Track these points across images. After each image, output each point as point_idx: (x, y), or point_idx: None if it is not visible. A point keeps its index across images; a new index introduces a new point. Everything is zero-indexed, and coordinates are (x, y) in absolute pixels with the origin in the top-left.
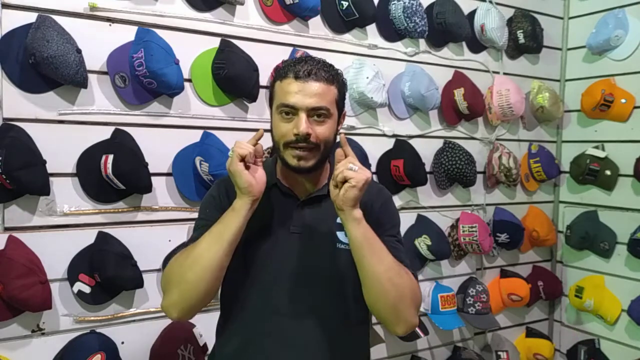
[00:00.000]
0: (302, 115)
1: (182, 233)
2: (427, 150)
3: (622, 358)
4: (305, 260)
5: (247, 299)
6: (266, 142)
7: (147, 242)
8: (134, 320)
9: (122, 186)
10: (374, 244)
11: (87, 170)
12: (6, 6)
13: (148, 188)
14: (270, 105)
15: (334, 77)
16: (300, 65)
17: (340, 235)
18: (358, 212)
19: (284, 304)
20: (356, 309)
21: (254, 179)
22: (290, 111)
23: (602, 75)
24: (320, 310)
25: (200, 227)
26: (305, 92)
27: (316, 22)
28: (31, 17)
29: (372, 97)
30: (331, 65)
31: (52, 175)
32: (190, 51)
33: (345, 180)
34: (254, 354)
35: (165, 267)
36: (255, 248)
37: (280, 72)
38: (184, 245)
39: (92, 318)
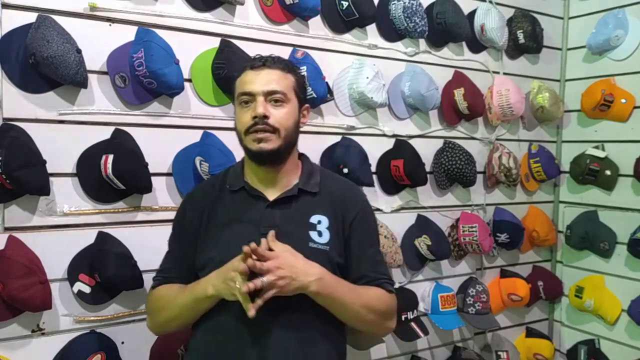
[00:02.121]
0: (259, 99)
1: None
2: (427, 150)
3: (622, 358)
4: None
5: (219, 304)
6: None
7: (147, 242)
8: (134, 320)
9: (122, 186)
10: (340, 295)
11: (87, 170)
12: (6, 6)
13: (148, 188)
14: (234, 104)
15: (290, 67)
16: (256, 59)
17: (313, 234)
18: (308, 287)
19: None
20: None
21: None
22: (249, 99)
23: (602, 75)
24: (294, 310)
25: (167, 255)
26: (260, 79)
27: (316, 22)
28: (31, 17)
29: (372, 97)
30: (288, 60)
31: (52, 175)
32: (190, 51)
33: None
34: (226, 355)
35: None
36: (227, 252)
37: (239, 71)
38: (159, 272)
39: (92, 318)
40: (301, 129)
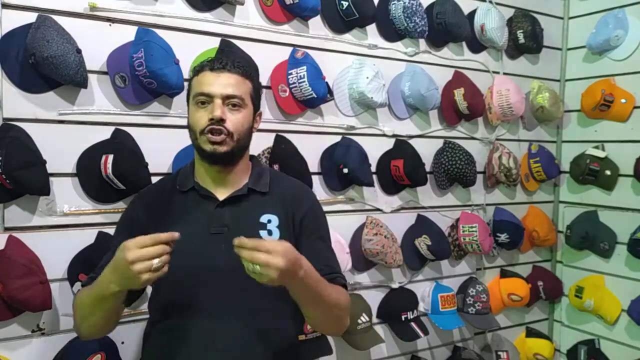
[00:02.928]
0: (217, 101)
1: None
2: (427, 150)
3: (622, 358)
4: (227, 260)
5: (170, 305)
6: (267, 142)
7: None
8: (134, 320)
9: (122, 186)
10: (317, 286)
11: (87, 170)
12: (6, 6)
13: None
14: (188, 103)
15: (249, 72)
16: (217, 60)
17: (263, 233)
18: (291, 278)
19: (208, 305)
20: (282, 304)
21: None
22: (206, 100)
23: (602, 75)
24: (246, 309)
25: (108, 253)
26: (221, 81)
27: (316, 22)
28: (31, 17)
29: (372, 97)
30: (248, 65)
31: (52, 175)
32: (190, 51)
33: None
34: (178, 354)
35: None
36: (176, 253)
37: (196, 69)
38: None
39: None
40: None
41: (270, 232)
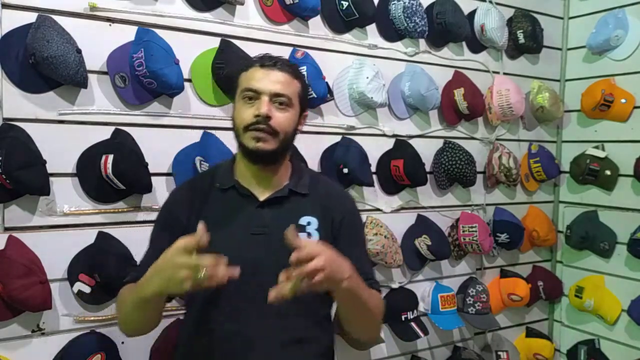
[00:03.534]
0: (265, 99)
1: None
2: (427, 150)
3: (622, 358)
4: (267, 262)
5: (210, 304)
6: None
7: (147, 242)
8: None
9: (122, 186)
10: (361, 293)
11: (87, 170)
12: (6, 6)
13: (148, 188)
14: (234, 98)
15: (298, 73)
16: (266, 57)
17: (302, 236)
18: (337, 283)
19: (248, 306)
20: (320, 307)
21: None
22: (254, 96)
23: (602, 75)
24: (283, 309)
25: (147, 251)
26: (270, 78)
27: (316, 22)
28: (31, 17)
29: (372, 97)
30: (296, 65)
31: (52, 175)
32: (190, 51)
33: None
34: (217, 356)
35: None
36: (215, 252)
37: (245, 65)
38: (133, 270)
39: (92, 318)
40: (299, 132)
41: (309, 235)
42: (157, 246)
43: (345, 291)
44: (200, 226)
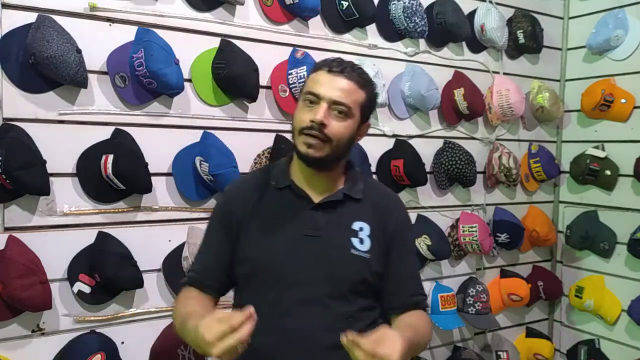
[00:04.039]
0: (323, 105)
1: (182, 233)
2: (427, 150)
3: (622, 358)
4: (318, 264)
5: (258, 303)
6: (267, 142)
7: (147, 242)
8: (134, 320)
9: (122, 186)
10: (414, 347)
11: (87, 170)
12: (6, 6)
13: (148, 188)
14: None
15: (366, 82)
16: (336, 62)
17: (354, 241)
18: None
19: (295, 307)
20: (368, 311)
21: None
22: (314, 100)
23: (602, 75)
24: (333, 313)
25: (203, 247)
26: (333, 85)
27: (316, 22)
28: (31, 17)
29: None
30: (367, 73)
31: (52, 175)
32: (190, 51)
33: None
34: (263, 356)
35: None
36: (268, 251)
37: (315, 66)
38: (191, 268)
39: (92, 318)
40: (357, 141)
41: (361, 241)
42: (213, 243)
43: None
44: (247, 312)
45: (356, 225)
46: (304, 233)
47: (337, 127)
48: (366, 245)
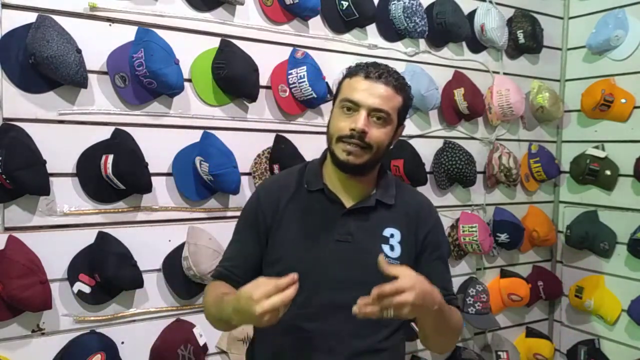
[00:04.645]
0: (363, 112)
1: (182, 233)
2: (427, 150)
3: (622, 358)
4: (349, 270)
5: (291, 306)
6: (267, 142)
7: (147, 242)
8: (134, 320)
9: (122, 186)
10: (446, 316)
11: (87, 170)
12: (6, 6)
13: (148, 188)
14: (333, 102)
15: (403, 86)
16: (373, 67)
17: (385, 248)
18: (428, 315)
19: (325, 311)
20: (393, 321)
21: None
22: (352, 107)
23: (602, 75)
24: (359, 321)
25: (232, 244)
26: (371, 92)
27: (316, 22)
28: (31, 17)
29: None
30: (402, 77)
31: (52, 175)
32: (190, 51)
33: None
34: (288, 357)
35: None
36: (298, 253)
37: (350, 70)
38: (221, 263)
39: (92, 318)
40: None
41: (392, 248)
42: (242, 240)
43: (431, 317)
44: (292, 276)
45: (387, 232)
46: (335, 238)
47: (378, 133)
48: (397, 252)
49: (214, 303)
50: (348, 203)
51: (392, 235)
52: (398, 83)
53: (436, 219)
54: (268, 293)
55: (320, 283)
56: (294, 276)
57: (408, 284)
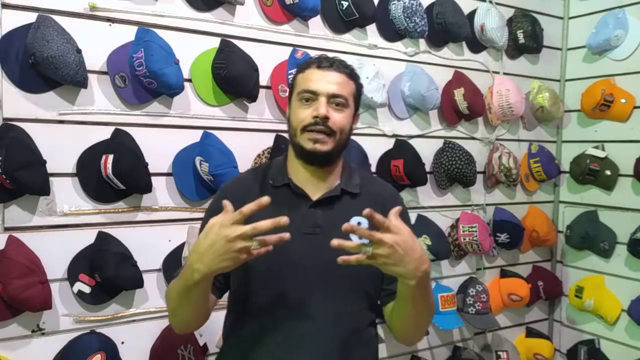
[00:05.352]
0: (322, 100)
1: (182, 233)
2: (427, 150)
3: (622, 358)
4: (318, 262)
5: (257, 301)
6: (267, 142)
7: (147, 242)
8: (134, 320)
9: (122, 186)
10: (428, 290)
11: (87, 170)
12: (6, 6)
13: (148, 188)
14: (289, 99)
15: (353, 73)
16: (323, 58)
17: (354, 237)
18: (411, 280)
19: (295, 305)
20: (367, 310)
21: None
22: (311, 97)
23: (602, 75)
24: (331, 312)
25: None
26: (327, 80)
27: (316, 22)
28: (31, 17)
29: (372, 97)
30: (351, 65)
31: (52, 175)
32: (190, 51)
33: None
34: (263, 354)
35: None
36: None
37: (302, 66)
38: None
39: (92, 318)
40: (353, 131)
41: (360, 236)
42: None
43: (415, 289)
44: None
45: (354, 221)
46: (302, 231)
47: (339, 118)
48: (365, 241)
49: (173, 284)
50: (314, 196)
51: (359, 224)
52: (349, 70)
53: (401, 204)
54: (237, 220)
55: (289, 278)
56: (262, 200)
57: (398, 228)
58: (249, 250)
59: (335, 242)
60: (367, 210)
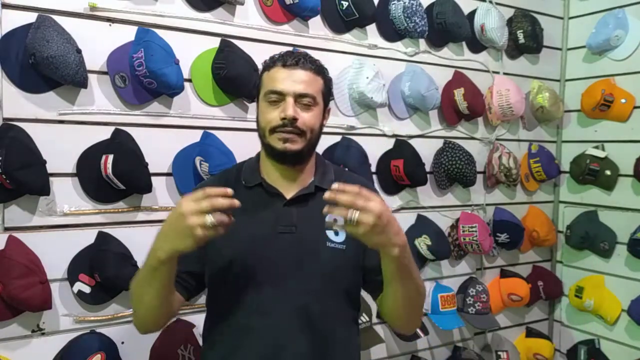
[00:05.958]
0: (290, 100)
1: None
2: (427, 150)
3: (622, 358)
4: (294, 260)
5: (234, 303)
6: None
7: (147, 242)
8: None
9: (122, 186)
10: (412, 268)
11: (87, 170)
12: (6, 6)
13: (148, 188)
14: (257, 98)
15: (320, 69)
16: (288, 56)
17: (330, 234)
18: (393, 248)
19: (272, 304)
20: (347, 308)
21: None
22: (278, 97)
23: (602, 75)
24: (310, 310)
25: None
26: (293, 79)
27: (316, 22)
28: (31, 17)
29: (372, 97)
30: (318, 60)
31: (52, 175)
32: (190, 51)
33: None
34: (242, 356)
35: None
36: (242, 250)
37: (267, 64)
38: None
39: (92, 318)
40: (324, 127)
41: (336, 232)
42: None
43: (399, 261)
44: (225, 190)
45: (330, 217)
46: (278, 230)
47: (308, 117)
48: (341, 237)
49: (137, 273)
50: (288, 194)
51: (335, 221)
52: (315, 66)
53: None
54: (197, 197)
55: (266, 278)
56: (226, 190)
57: (377, 200)
58: (204, 225)
59: (326, 209)
60: (335, 185)
